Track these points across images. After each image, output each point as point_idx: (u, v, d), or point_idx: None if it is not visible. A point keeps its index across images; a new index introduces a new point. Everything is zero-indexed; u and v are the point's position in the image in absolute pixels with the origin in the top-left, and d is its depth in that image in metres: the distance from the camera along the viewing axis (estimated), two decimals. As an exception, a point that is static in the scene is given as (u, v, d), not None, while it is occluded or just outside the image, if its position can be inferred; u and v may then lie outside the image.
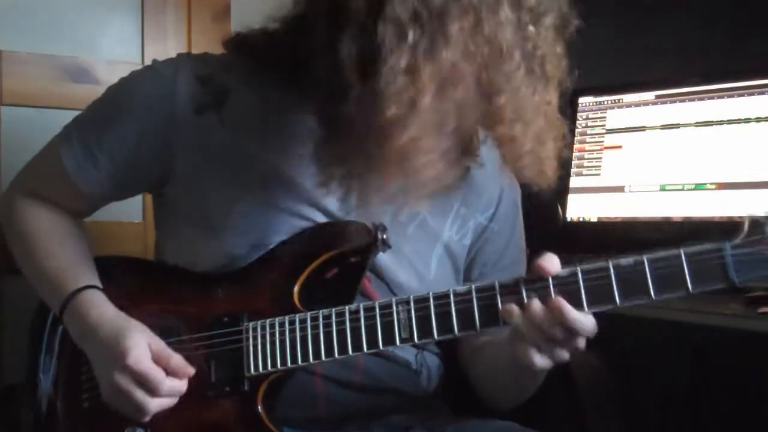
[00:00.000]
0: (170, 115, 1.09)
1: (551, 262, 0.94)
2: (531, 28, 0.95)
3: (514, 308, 0.94)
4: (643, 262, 0.92)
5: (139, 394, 1.00)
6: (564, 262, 0.96)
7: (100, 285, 1.12)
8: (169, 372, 1.02)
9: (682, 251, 0.90)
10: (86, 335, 1.06)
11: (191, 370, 1.04)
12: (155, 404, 1.01)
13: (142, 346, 1.02)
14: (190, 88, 1.10)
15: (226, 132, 1.10)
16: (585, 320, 0.92)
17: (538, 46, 0.95)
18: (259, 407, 1.03)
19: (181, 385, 1.03)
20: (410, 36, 0.87)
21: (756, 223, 0.90)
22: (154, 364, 1.01)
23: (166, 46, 1.81)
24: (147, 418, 1.02)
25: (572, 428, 1.44)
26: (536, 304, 0.93)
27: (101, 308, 1.08)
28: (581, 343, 0.94)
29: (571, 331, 0.92)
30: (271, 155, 1.09)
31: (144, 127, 1.10)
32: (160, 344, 1.04)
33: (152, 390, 1.00)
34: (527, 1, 0.92)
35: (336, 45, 0.89)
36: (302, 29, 1.00)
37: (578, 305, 0.93)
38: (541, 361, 0.94)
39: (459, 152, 0.98)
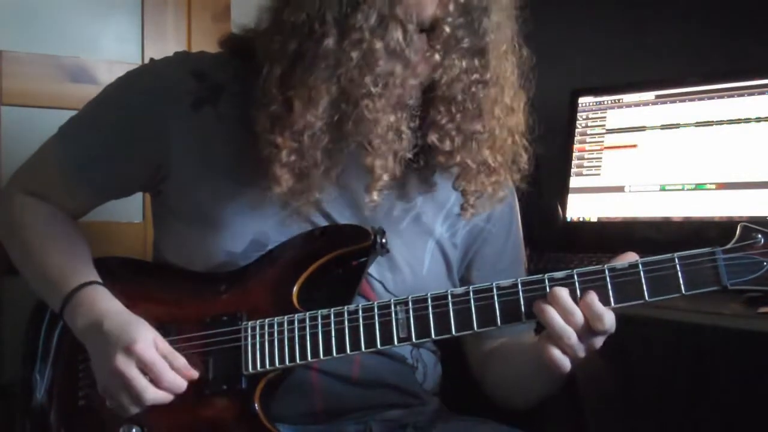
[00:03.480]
0: (166, 111, 1.10)
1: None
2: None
3: (545, 306, 0.94)
4: (638, 266, 0.93)
5: (140, 380, 1.00)
6: (564, 263, 0.96)
7: (101, 281, 1.12)
8: (173, 369, 1.02)
9: (675, 256, 0.92)
10: (90, 327, 1.06)
11: (194, 373, 1.04)
12: (152, 393, 1.01)
13: (150, 339, 1.02)
14: (186, 83, 1.11)
15: (223, 128, 1.10)
16: (609, 315, 0.93)
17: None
18: (256, 405, 1.03)
19: (182, 383, 1.03)
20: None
21: (747, 228, 0.93)
22: (159, 355, 1.02)
23: (166, 46, 1.81)
24: (138, 410, 1.02)
25: (572, 428, 1.43)
26: (564, 294, 0.93)
27: (108, 302, 1.08)
28: (599, 341, 0.95)
29: (591, 326, 0.93)
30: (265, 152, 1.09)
31: (140, 124, 1.11)
32: (165, 345, 1.04)
33: (155, 378, 1.00)
34: None
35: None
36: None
37: None
38: (562, 359, 0.95)
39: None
